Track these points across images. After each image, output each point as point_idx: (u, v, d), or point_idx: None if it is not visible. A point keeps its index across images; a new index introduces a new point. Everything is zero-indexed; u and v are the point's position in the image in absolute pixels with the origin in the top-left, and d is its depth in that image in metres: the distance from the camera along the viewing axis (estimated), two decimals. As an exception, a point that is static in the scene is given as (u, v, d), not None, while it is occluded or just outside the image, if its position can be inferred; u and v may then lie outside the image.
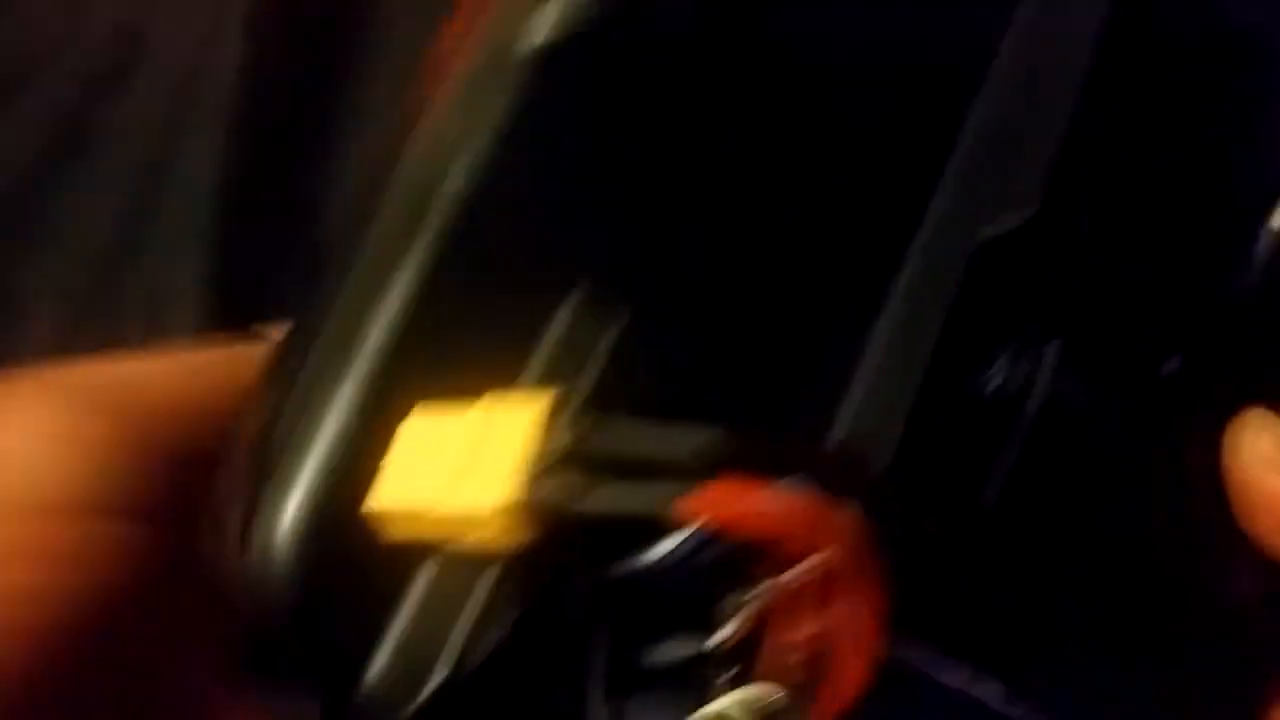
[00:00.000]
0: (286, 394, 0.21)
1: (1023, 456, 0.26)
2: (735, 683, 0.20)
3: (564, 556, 0.20)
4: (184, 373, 0.24)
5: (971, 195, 0.26)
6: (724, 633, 0.20)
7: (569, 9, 0.23)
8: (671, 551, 0.19)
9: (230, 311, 0.45)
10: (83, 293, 0.46)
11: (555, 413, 0.20)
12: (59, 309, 0.46)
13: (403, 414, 0.20)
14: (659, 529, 0.19)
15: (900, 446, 0.24)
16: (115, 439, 0.23)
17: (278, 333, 0.27)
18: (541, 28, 0.22)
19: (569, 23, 0.22)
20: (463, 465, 0.20)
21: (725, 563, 0.19)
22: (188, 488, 0.22)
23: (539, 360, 0.22)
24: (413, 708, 0.20)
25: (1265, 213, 0.28)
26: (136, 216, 0.47)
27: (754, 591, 0.19)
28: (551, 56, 0.22)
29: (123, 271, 0.46)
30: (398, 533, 0.20)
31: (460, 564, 0.20)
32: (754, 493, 0.19)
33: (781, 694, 0.19)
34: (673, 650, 0.21)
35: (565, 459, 0.20)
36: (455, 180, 0.22)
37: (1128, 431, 0.27)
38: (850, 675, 0.20)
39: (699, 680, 0.20)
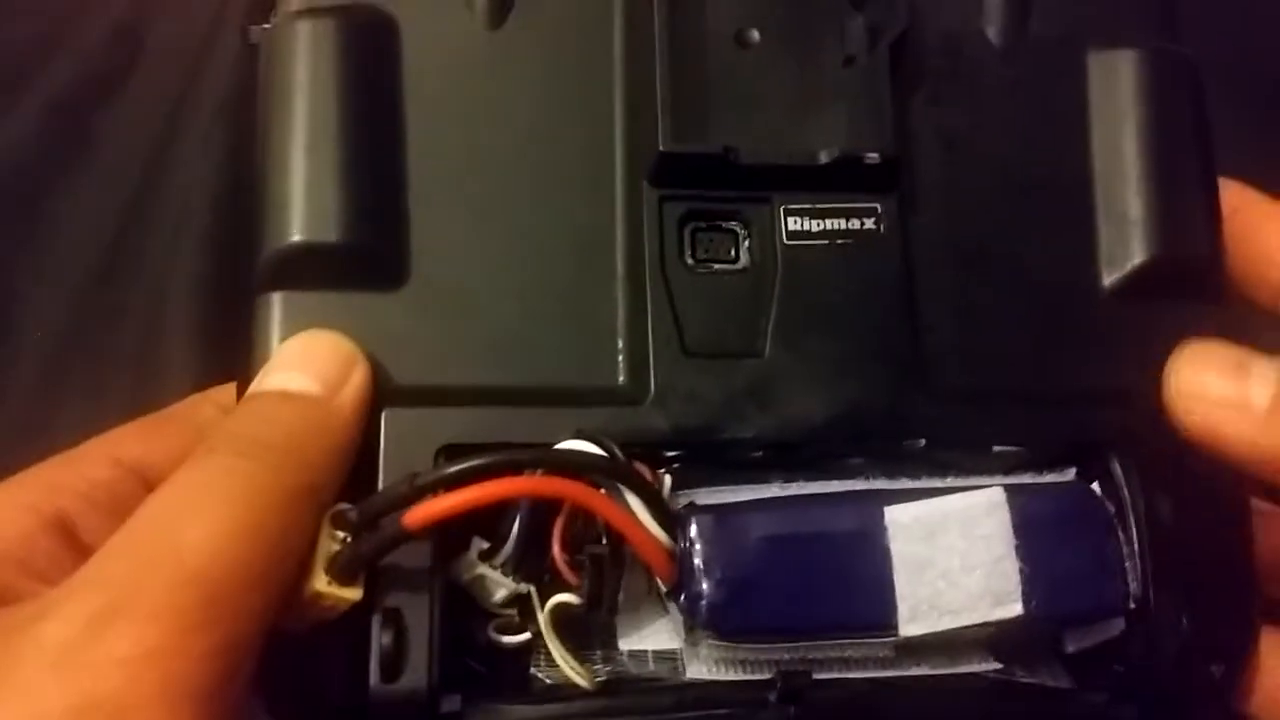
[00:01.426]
0: None
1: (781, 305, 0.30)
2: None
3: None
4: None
5: None
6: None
7: None
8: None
9: (230, 312, 0.45)
10: (83, 293, 0.46)
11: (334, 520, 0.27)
12: (59, 309, 0.46)
13: None
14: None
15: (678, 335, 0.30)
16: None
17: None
18: None
19: None
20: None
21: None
22: None
23: None
24: None
25: None
26: (136, 216, 0.46)
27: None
28: None
29: (123, 271, 0.46)
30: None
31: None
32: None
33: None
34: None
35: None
36: None
37: None
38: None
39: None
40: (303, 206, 0.30)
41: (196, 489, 0.26)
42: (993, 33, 0.34)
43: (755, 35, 0.32)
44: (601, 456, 0.27)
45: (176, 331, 0.45)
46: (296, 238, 0.30)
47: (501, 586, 0.28)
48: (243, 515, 0.25)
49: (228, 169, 0.46)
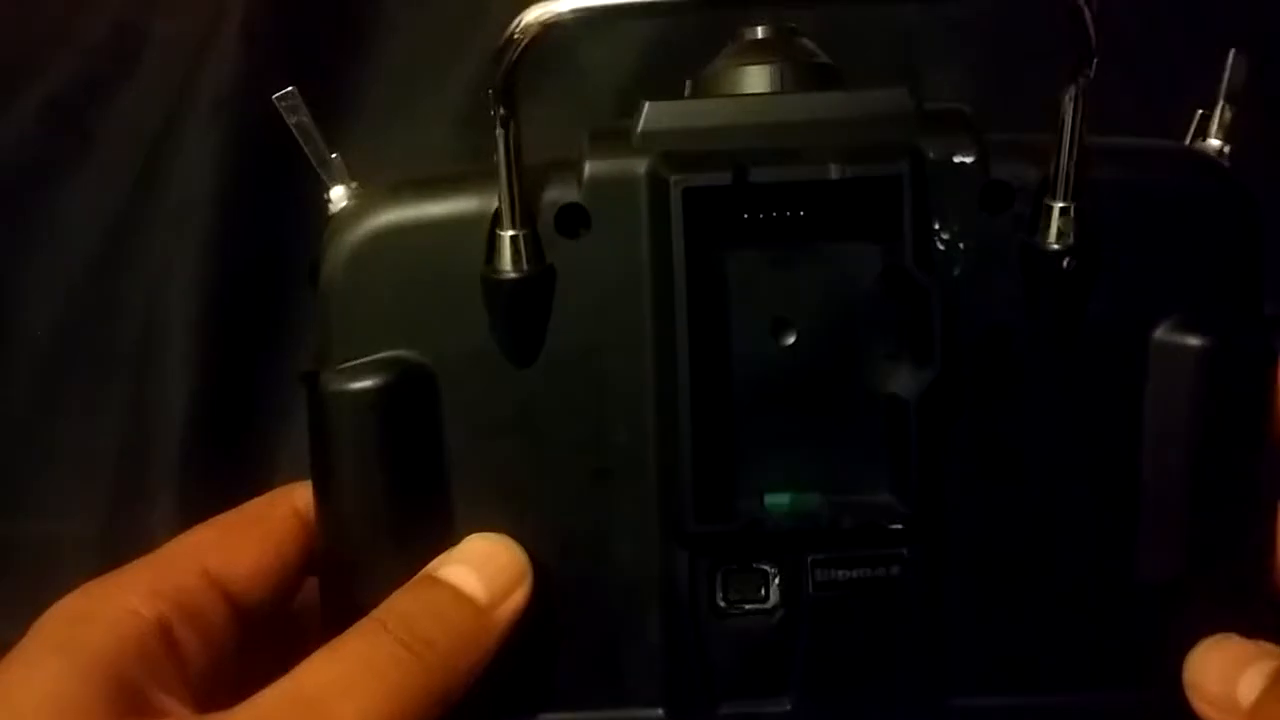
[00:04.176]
0: None
1: (807, 657, 0.31)
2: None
3: None
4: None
5: None
6: None
7: None
8: None
9: (229, 311, 0.45)
10: (81, 290, 0.46)
11: None
12: (58, 306, 0.46)
13: None
14: None
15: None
16: None
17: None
18: None
19: None
20: None
21: None
22: None
23: None
24: None
25: None
26: (135, 214, 0.46)
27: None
28: None
29: (121, 269, 0.46)
30: None
31: None
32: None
33: None
34: None
35: None
36: None
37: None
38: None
39: None
40: (366, 570, 0.31)
41: (360, 664, 0.28)
42: (1046, 319, 0.31)
43: (791, 338, 0.31)
44: None
45: (175, 328, 0.45)
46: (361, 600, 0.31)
47: None
48: (392, 705, 0.28)
49: (226, 167, 0.46)
